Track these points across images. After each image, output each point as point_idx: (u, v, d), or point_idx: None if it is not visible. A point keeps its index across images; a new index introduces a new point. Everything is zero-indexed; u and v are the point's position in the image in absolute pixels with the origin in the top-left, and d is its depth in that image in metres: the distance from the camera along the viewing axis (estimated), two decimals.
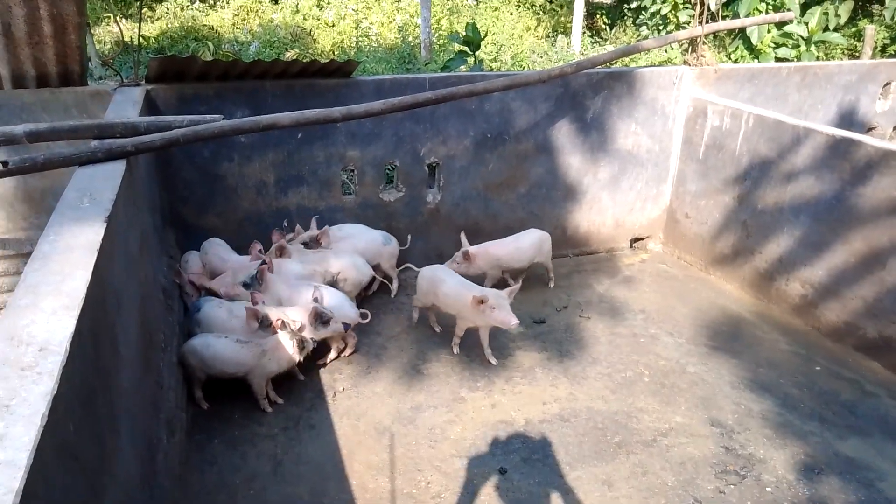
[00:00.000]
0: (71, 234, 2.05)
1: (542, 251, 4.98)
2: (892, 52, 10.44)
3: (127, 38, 6.51)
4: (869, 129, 6.41)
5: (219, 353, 3.50)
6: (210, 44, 10.47)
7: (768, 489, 3.16)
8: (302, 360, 3.60)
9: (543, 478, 3.20)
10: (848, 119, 6.26)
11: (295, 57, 9.73)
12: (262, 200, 4.77)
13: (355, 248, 4.61)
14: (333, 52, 10.87)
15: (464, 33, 6.88)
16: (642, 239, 5.99)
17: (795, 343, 4.44)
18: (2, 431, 1.22)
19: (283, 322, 3.54)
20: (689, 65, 5.50)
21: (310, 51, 10.85)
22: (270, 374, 3.58)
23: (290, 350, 3.51)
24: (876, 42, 10.09)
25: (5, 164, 2.59)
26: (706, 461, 3.34)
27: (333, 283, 4.30)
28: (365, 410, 3.68)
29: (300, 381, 3.87)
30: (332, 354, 4.08)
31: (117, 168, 2.73)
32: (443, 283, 4.17)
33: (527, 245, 4.89)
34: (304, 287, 4.00)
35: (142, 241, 3.06)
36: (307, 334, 3.62)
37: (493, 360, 4.12)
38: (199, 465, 3.23)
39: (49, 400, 1.32)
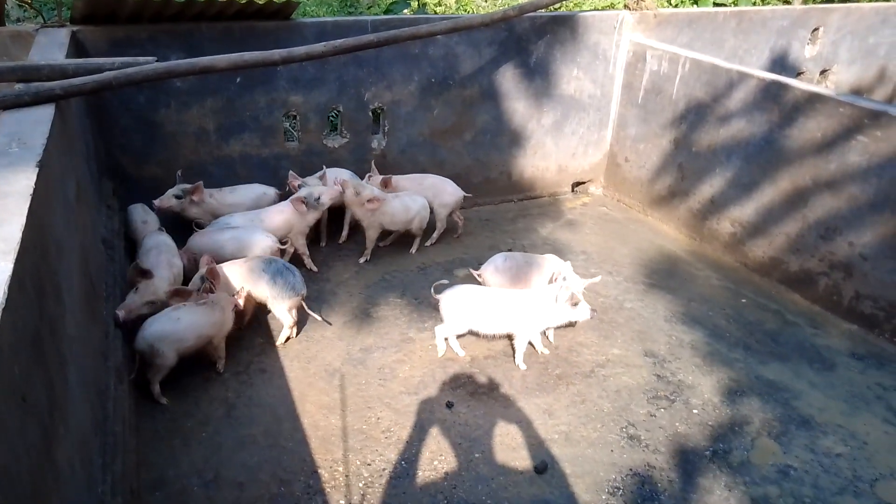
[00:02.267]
0: (3, 180, 2.00)
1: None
2: None
3: None
4: (798, 74, 6.66)
5: (193, 321, 3.33)
6: None
7: (695, 411, 3.42)
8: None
9: (488, 409, 3.37)
10: (780, 64, 6.48)
11: None
12: (204, 148, 4.66)
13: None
14: None
15: None
16: (584, 183, 6.15)
17: (725, 278, 4.71)
18: None
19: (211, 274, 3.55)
20: (630, 9, 5.56)
21: None
22: (229, 330, 3.54)
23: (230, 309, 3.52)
24: None
25: None
26: (640, 388, 3.57)
27: None
28: (315, 354, 3.76)
29: (250, 328, 3.90)
30: (285, 332, 3.83)
31: (46, 112, 2.64)
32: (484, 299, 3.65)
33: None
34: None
35: (78, 189, 2.98)
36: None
37: (525, 366, 3.70)
38: (150, 411, 3.26)
39: None
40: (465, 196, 4.98)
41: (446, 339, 3.74)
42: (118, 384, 2.96)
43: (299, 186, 4.51)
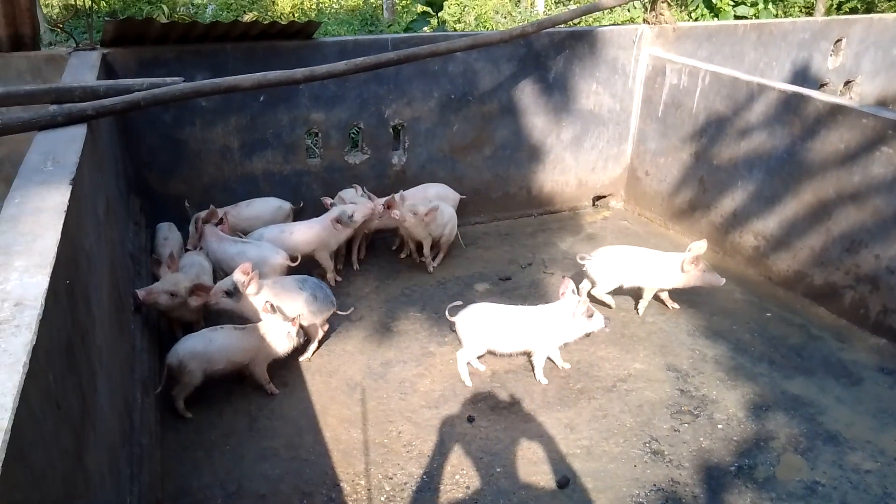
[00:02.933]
0: (38, 196, 2.07)
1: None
2: (846, 10, 10.67)
3: (78, 2, 6.30)
4: (821, 86, 6.61)
5: (225, 345, 3.33)
6: (164, 6, 10.17)
7: (720, 426, 3.38)
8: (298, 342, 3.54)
9: (509, 424, 3.37)
10: (802, 76, 6.44)
11: (255, 18, 9.52)
12: (227, 165, 4.76)
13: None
14: (293, 15, 10.66)
15: None
16: (604, 197, 6.14)
17: (748, 292, 4.66)
18: None
19: (271, 305, 3.43)
20: (649, 23, 5.59)
21: (269, 13, 10.62)
22: (269, 357, 3.48)
23: (284, 337, 3.44)
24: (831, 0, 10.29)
25: None
26: (662, 403, 3.53)
27: None
28: (336, 367, 3.79)
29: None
30: (314, 346, 3.87)
31: (79, 132, 2.73)
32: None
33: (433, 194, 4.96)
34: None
35: (108, 206, 3.06)
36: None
37: (546, 381, 3.69)
38: (175, 423, 3.30)
39: (29, 350, 1.37)
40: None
41: (468, 362, 3.72)
42: (144, 396, 3.01)
43: (332, 205, 4.59)
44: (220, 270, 4.05)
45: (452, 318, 3.66)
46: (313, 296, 3.73)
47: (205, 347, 3.29)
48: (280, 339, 3.44)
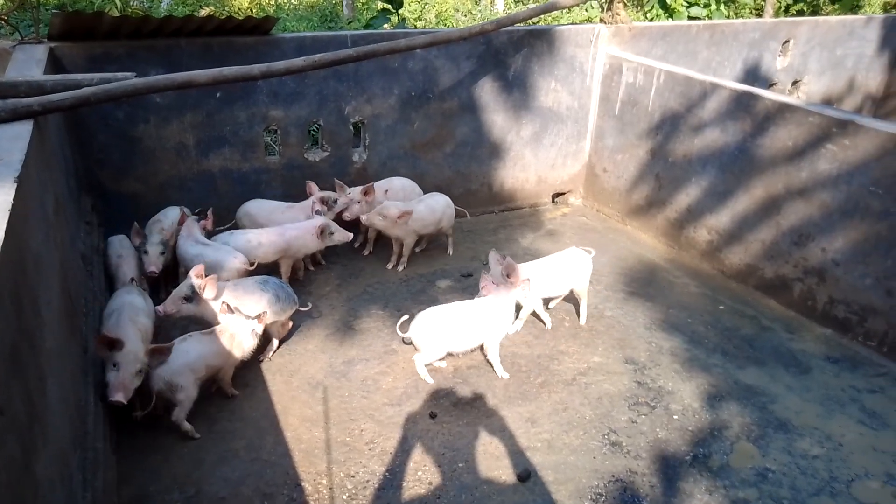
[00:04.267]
0: None
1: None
2: (794, 13, 11.03)
3: None
4: (771, 85, 6.82)
5: (201, 352, 3.23)
6: (117, 0, 9.87)
7: (675, 417, 3.46)
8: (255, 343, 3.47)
9: (472, 419, 3.39)
10: (752, 75, 6.64)
11: (210, 13, 9.34)
12: (183, 164, 4.66)
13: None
14: (251, 10, 10.49)
15: None
16: (563, 194, 6.22)
17: (703, 285, 4.78)
18: None
19: (227, 306, 3.38)
20: (606, 23, 5.68)
21: (225, 8, 10.43)
22: (239, 358, 3.40)
23: (250, 335, 3.40)
24: (780, 2, 10.62)
25: None
26: (621, 395, 3.61)
27: None
28: (298, 367, 3.75)
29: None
30: (275, 345, 3.86)
31: (24, 129, 2.63)
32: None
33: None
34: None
35: (57, 205, 2.97)
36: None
37: (507, 375, 3.73)
38: (131, 427, 3.22)
39: None
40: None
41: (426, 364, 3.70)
42: (98, 400, 2.93)
43: (324, 201, 4.61)
44: (185, 268, 3.98)
45: (404, 334, 3.62)
46: (276, 296, 3.68)
47: (185, 359, 3.16)
48: (246, 337, 3.39)
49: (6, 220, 1.86)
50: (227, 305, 3.39)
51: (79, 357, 2.84)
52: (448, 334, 3.57)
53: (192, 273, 3.50)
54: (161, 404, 3.16)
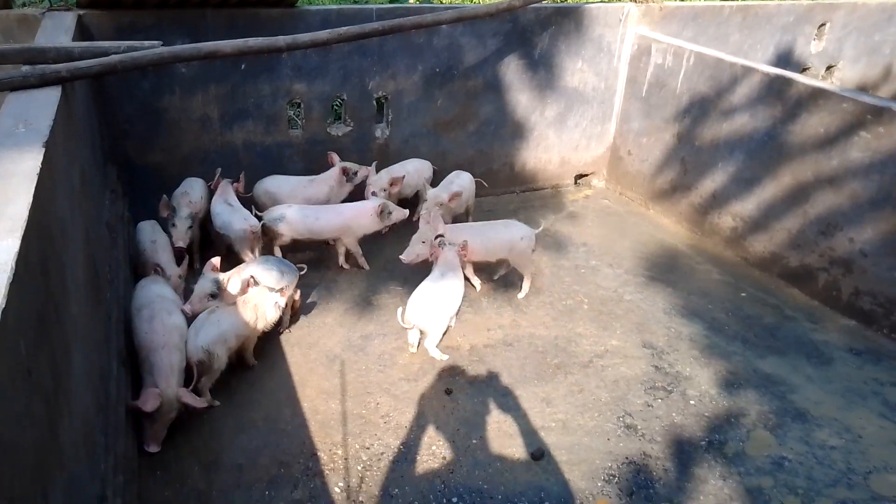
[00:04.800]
0: (9, 159, 2.02)
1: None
2: None
3: None
4: (804, 70, 6.64)
5: (233, 322, 3.31)
6: None
7: (692, 402, 3.44)
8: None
9: (487, 397, 3.40)
10: (785, 60, 6.47)
11: None
12: (207, 136, 4.68)
13: None
14: None
15: None
16: (586, 175, 6.16)
17: (725, 273, 4.72)
18: None
19: (253, 279, 3.46)
20: (635, 2, 5.56)
21: None
22: (262, 329, 3.49)
23: (272, 307, 3.48)
24: None
25: None
26: (637, 379, 3.59)
27: None
28: (316, 340, 3.79)
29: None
30: (287, 317, 3.86)
31: (52, 95, 2.65)
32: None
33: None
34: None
35: (83, 173, 3.00)
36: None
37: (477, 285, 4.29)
38: None
39: None
40: None
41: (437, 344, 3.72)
42: (120, 367, 2.99)
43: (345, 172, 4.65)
44: (215, 227, 4.22)
45: (408, 325, 3.58)
46: (280, 272, 3.70)
47: (219, 329, 3.24)
48: (270, 308, 3.47)
49: (34, 186, 1.89)
50: (253, 278, 3.44)
51: (102, 324, 2.89)
52: (445, 307, 3.60)
53: (206, 270, 3.48)
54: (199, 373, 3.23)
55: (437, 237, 3.87)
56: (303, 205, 4.40)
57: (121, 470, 2.47)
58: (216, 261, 3.55)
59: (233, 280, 3.50)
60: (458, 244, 3.84)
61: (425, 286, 3.67)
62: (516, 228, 4.18)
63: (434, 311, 3.58)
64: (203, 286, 3.42)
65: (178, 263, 3.88)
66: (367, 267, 4.51)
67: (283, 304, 3.54)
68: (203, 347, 3.15)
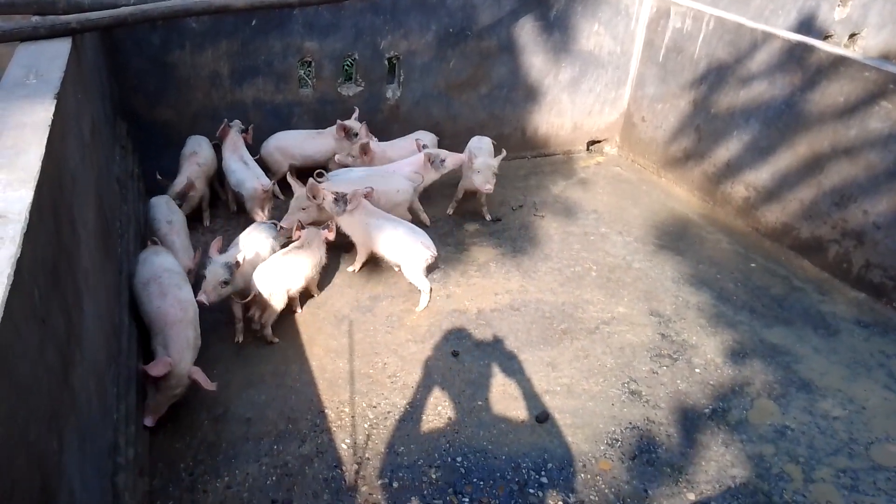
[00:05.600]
0: (20, 110, 2.02)
1: None
2: None
3: None
4: (826, 37, 6.48)
5: (302, 264, 3.53)
6: None
7: (697, 370, 3.46)
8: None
9: (493, 360, 3.43)
10: (807, 26, 6.31)
11: None
12: (217, 93, 4.64)
13: None
14: None
15: None
16: (599, 142, 6.08)
17: (736, 242, 4.69)
18: None
19: (300, 223, 3.65)
20: None
21: None
22: (318, 270, 3.70)
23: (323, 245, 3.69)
24: None
25: None
26: (643, 346, 3.61)
27: None
28: (324, 300, 3.81)
29: None
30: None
31: (63, 47, 2.63)
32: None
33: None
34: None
35: (93, 127, 2.99)
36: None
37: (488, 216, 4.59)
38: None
39: (13, 263, 1.36)
40: None
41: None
42: (131, 321, 3.02)
43: (346, 129, 4.62)
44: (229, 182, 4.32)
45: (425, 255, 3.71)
46: (273, 236, 3.72)
47: (287, 271, 3.43)
48: (322, 246, 3.67)
49: (46, 136, 1.88)
50: (300, 223, 3.61)
51: (114, 277, 2.92)
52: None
53: (212, 254, 3.31)
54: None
55: (337, 197, 3.78)
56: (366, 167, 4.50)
57: (132, 419, 2.52)
58: (217, 242, 3.38)
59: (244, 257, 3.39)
60: (353, 195, 3.77)
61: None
62: (394, 180, 4.24)
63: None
64: (215, 273, 3.19)
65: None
66: (428, 223, 4.56)
67: (331, 238, 3.70)
68: (269, 284, 3.33)
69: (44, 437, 1.44)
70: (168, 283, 3.06)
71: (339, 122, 4.65)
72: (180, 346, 2.83)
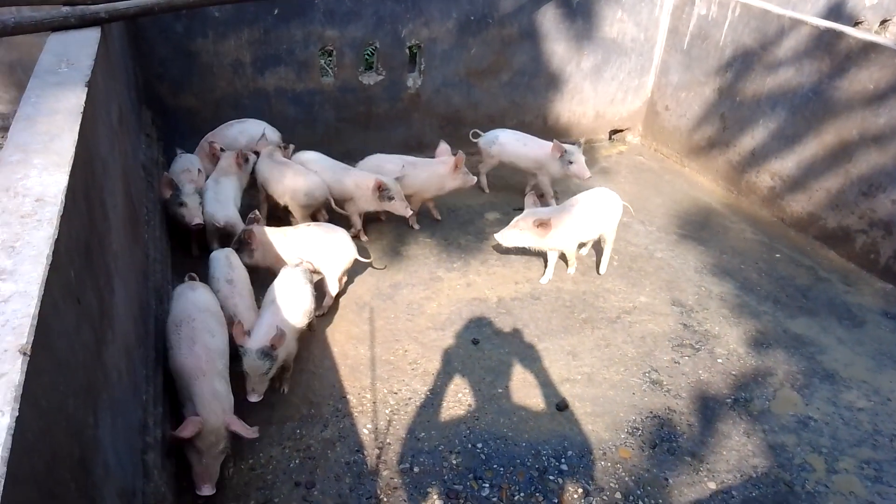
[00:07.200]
0: (53, 97, 2.06)
1: None
2: None
3: None
4: (856, 24, 6.35)
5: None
6: None
7: (719, 360, 3.44)
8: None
9: (513, 348, 3.44)
10: (836, 12, 6.18)
11: None
12: (239, 81, 4.68)
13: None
14: None
15: None
16: (621, 131, 6.03)
17: (760, 232, 4.64)
18: (11, 268, 1.31)
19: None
20: None
21: None
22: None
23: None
24: None
25: None
26: (665, 336, 3.59)
27: None
28: (345, 287, 3.84)
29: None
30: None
31: (92, 35, 2.67)
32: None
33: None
34: None
35: (120, 114, 3.04)
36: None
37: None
38: None
39: (51, 243, 1.40)
40: None
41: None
42: (158, 304, 3.08)
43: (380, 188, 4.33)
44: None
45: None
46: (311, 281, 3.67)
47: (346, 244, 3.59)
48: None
49: (79, 122, 1.92)
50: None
51: (141, 262, 2.97)
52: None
53: (241, 342, 2.82)
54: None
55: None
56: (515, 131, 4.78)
57: (159, 400, 2.57)
58: (239, 326, 2.83)
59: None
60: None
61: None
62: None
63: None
64: (254, 367, 2.77)
65: (193, 238, 3.86)
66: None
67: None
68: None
69: (81, 411, 1.48)
70: (200, 328, 2.76)
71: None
72: (207, 399, 2.54)
